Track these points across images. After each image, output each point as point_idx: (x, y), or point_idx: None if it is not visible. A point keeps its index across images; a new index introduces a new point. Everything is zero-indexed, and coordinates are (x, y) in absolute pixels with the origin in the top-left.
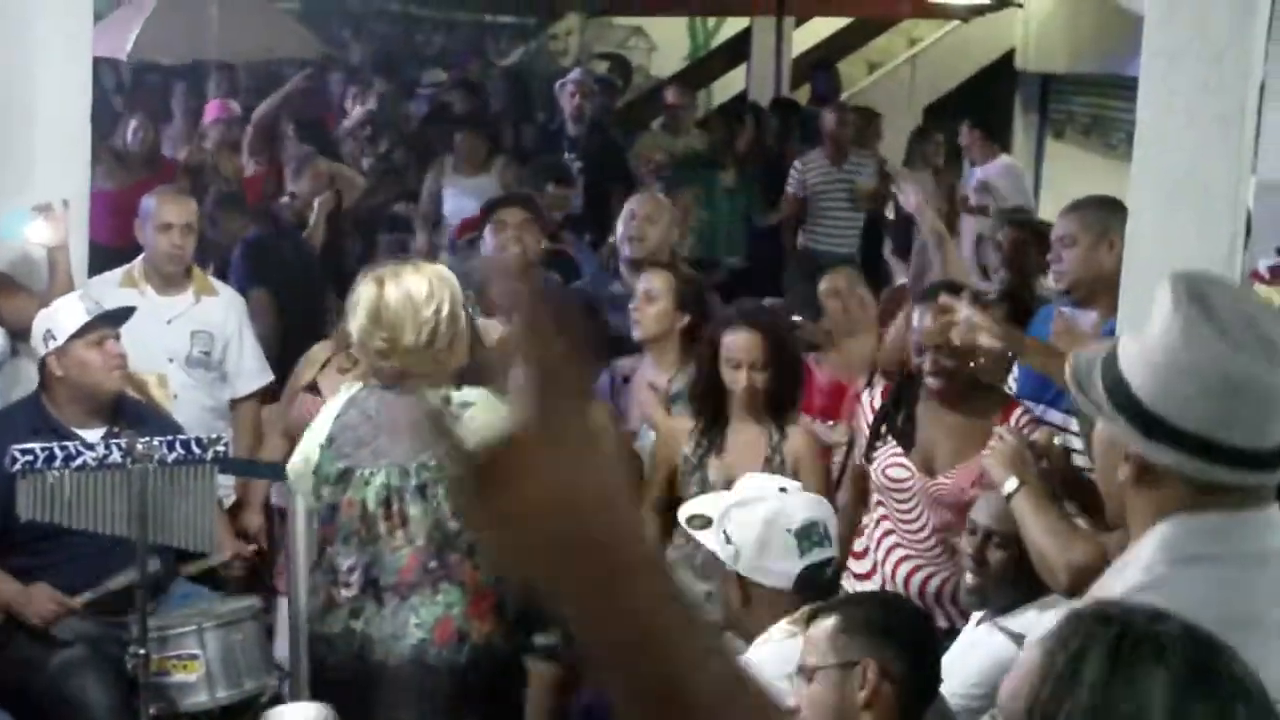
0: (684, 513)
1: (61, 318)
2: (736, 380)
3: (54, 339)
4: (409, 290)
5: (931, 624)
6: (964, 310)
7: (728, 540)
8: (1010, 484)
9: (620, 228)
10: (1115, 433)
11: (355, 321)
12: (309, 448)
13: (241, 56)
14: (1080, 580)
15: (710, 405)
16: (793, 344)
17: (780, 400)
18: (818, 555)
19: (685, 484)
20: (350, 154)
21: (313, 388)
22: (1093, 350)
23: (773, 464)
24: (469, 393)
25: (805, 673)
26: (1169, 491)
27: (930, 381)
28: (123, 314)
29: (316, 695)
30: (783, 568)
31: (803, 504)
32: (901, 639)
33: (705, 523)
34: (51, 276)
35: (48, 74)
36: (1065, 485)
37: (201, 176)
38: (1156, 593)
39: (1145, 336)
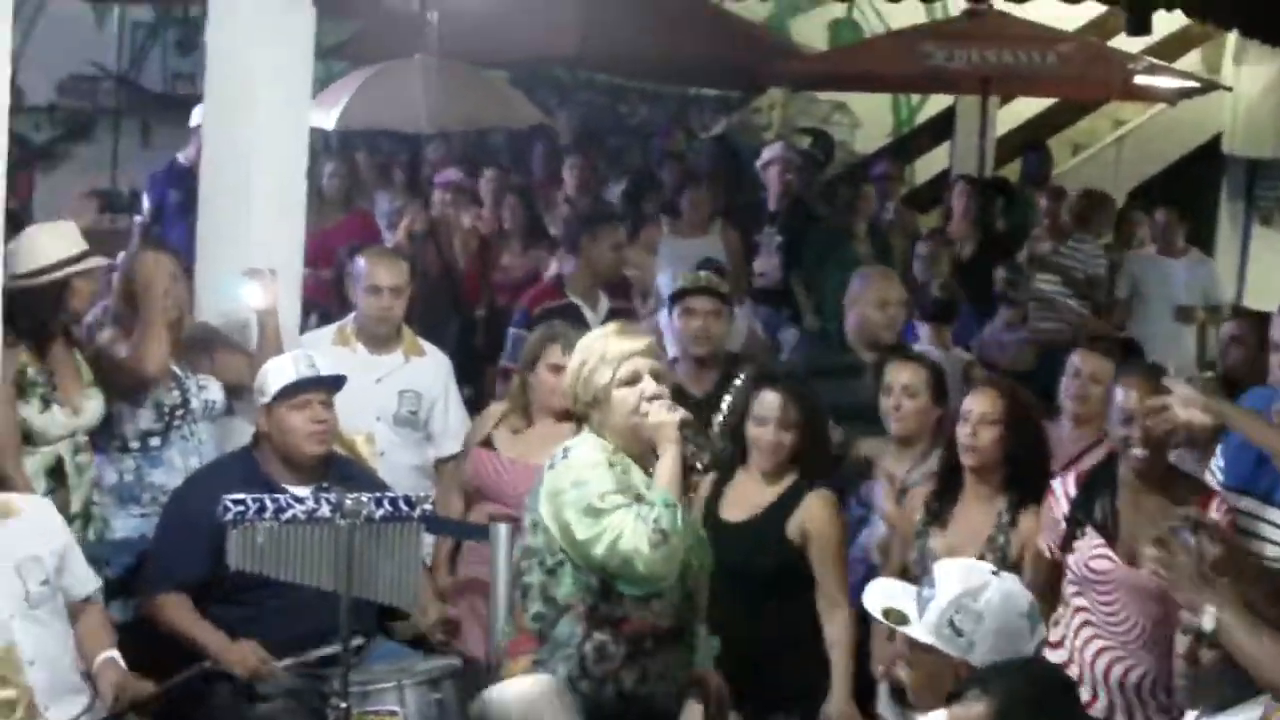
0: (872, 604)
1: (272, 377)
2: (966, 437)
3: (264, 396)
4: None
5: (1074, 689)
6: (1180, 388)
7: (957, 633)
8: (1209, 621)
9: (863, 303)
10: None
11: None
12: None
13: (453, 126)
14: None
15: (947, 477)
16: (1036, 416)
17: (1017, 473)
18: (1041, 634)
19: (909, 550)
20: (561, 224)
21: (487, 443)
22: None
23: (995, 544)
24: None
25: None
26: None
27: (1135, 454)
28: (334, 381)
29: None
30: (1025, 651)
31: (1018, 584)
32: (1060, 711)
33: (901, 618)
34: (261, 337)
35: (268, 146)
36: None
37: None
38: None
39: None
